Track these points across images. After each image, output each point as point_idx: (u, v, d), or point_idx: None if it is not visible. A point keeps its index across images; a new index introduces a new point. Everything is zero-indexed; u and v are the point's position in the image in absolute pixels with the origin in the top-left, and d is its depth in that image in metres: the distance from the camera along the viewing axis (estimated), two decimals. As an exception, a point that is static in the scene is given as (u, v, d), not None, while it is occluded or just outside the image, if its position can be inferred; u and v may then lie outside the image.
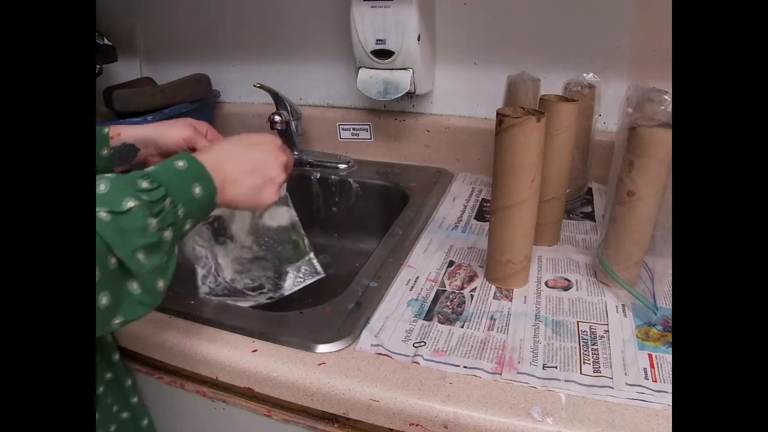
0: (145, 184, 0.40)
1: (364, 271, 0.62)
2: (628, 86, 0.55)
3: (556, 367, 0.47)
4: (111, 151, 0.58)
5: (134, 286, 0.38)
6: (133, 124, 0.60)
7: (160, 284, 0.40)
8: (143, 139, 0.59)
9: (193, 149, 0.60)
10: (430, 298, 0.58)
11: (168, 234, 0.40)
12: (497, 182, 0.55)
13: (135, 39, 1.09)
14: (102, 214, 0.36)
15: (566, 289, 0.59)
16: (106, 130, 0.58)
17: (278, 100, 0.91)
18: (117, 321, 0.38)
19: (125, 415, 0.56)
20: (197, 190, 0.43)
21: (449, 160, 0.94)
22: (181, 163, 0.44)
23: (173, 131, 0.60)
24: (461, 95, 0.92)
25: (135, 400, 0.58)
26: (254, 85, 0.88)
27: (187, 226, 0.44)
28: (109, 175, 0.39)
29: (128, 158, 0.59)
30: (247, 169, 0.49)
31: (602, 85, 0.72)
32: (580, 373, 0.46)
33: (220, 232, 0.62)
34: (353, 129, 0.99)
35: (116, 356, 0.55)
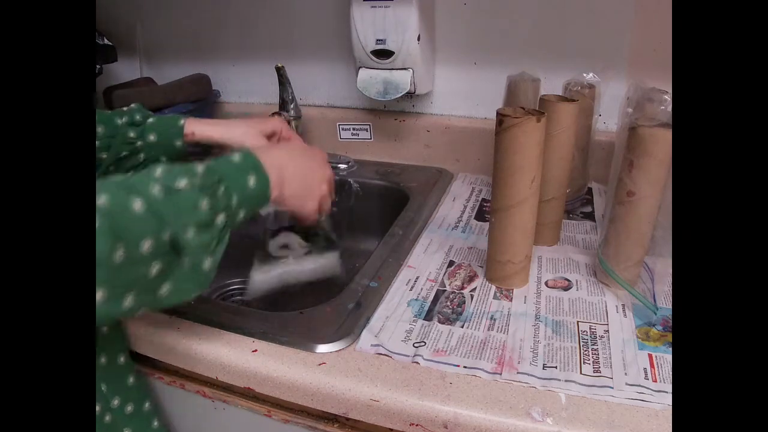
0: (200, 169, 0.43)
1: (364, 271, 0.62)
2: (628, 86, 0.55)
3: (556, 367, 0.47)
4: (183, 144, 0.64)
5: (185, 261, 0.40)
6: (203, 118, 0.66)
7: (206, 264, 0.41)
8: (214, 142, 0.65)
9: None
10: (430, 298, 0.57)
11: (221, 218, 0.42)
12: (497, 182, 0.55)
13: (135, 39, 1.09)
14: (155, 190, 0.39)
15: (566, 289, 0.59)
16: (182, 121, 0.64)
17: (286, 91, 0.91)
18: (164, 289, 0.39)
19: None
20: (251, 181, 0.46)
21: (449, 160, 0.94)
22: (237, 157, 0.47)
23: (238, 132, 0.65)
24: (461, 95, 0.92)
25: (156, 424, 0.57)
26: (276, 67, 0.89)
27: (242, 215, 0.46)
28: (167, 164, 0.43)
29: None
30: (299, 174, 0.53)
31: (602, 85, 0.72)
32: (580, 373, 0.46)
33: None
34: (353, 129, 0.99)
35: (131, 379, 0.54)
